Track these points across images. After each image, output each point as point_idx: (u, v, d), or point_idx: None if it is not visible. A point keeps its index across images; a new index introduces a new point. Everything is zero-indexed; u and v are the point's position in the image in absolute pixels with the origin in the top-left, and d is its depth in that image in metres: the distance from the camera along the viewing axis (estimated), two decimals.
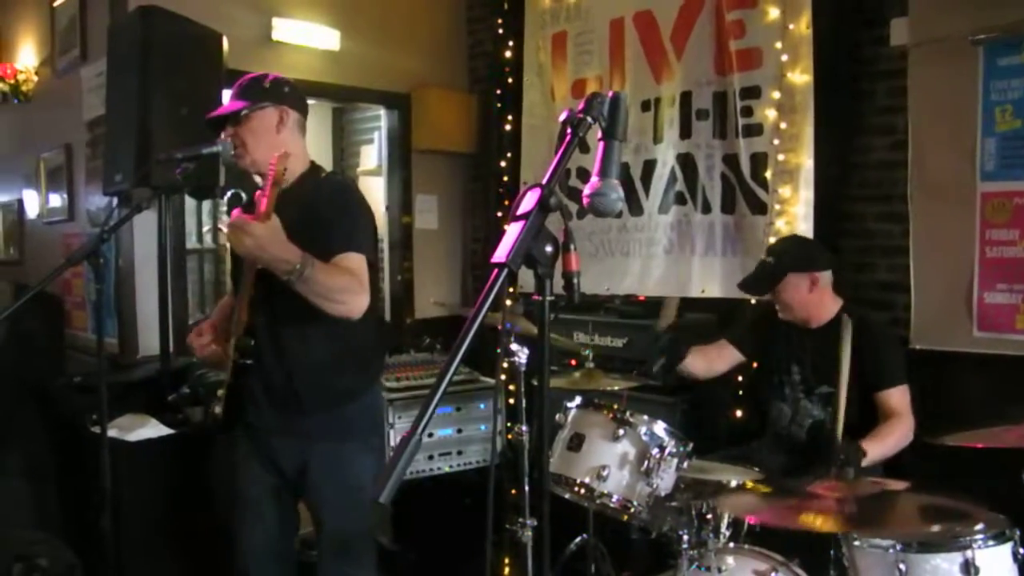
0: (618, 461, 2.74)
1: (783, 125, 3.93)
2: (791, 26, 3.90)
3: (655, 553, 3.11)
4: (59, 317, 5.34)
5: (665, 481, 2.73)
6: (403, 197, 5.67)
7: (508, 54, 5.34)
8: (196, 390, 3.82)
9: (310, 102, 2.89)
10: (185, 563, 3.60)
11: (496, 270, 1.36)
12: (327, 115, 7.62)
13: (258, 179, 2.70)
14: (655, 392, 3.76)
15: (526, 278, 4.22)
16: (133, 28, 3.78)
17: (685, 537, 2.63)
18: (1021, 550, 2.27)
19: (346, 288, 2.43)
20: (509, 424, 2.81)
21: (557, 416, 2.94)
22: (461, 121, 5.70)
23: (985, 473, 2.64)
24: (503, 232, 1.42)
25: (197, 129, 3.45)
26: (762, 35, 4.00)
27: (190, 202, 5.25)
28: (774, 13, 3.96)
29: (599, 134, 1.51)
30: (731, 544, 2.66)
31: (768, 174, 4.00)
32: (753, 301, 4.00)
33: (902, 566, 2.25)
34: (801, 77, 3.89)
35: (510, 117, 5.34)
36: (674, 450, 2.74)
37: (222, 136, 2.71)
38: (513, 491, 3.01)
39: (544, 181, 1.42)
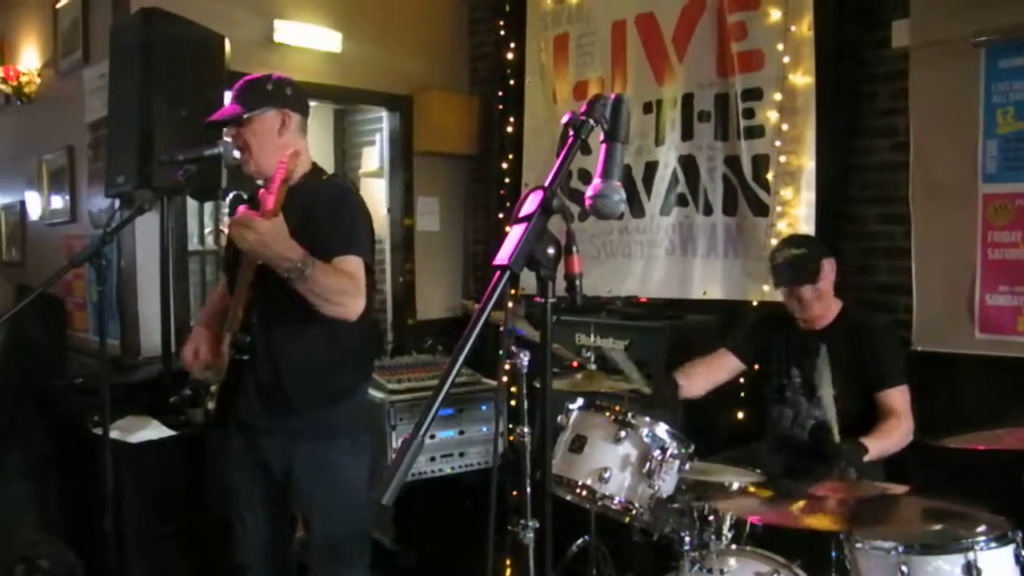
0: (620, 463, 2.73)
1: (785, 127, 3.94)
2: (793, 28, 3.91)
3: (657, 555, 3.11)
4: (61, 319, 5.35)
5: (667, 483, 2.73)
6: (404, 199, 5.68)
7: (510, 56, 5.34)
8: (198, 391, 3.82)
9: (312, 104, 2.89)
10: (187, 563, 3.60)
11: (498, 272, 1.36)
12: (329, 117, 7.62)
13: (259, 181, 2.71)
14: None
15: (528, 280, 4.22)
16: (135, 30, 3.79)
17: (687, 539, 2.63)
18: (1023, 552, 2.26)
19: (344, 290, 2.45)
20: (511, 426, 2.81)
21: (559, 418, 2.93)
22: (463, 123, 5.70)
23: (987, 475, 2.64)
24: (505, 234, 1.42)
25: (199, 131, 3.46)
26: (764, 37, 4.01)
27: (192, 204, 5.26)
28: (776, 15, 3.96)
29: (601, 136, 1.51)
30: (733, 546, 2.66)
31: (770, 176, 4.01)
32: (755, 303, 4.01)
33: (904, 568, 2.25)
34: (803, 79, 3.89)
35: (512, 119, 5.35)
36: (676, 452, 2.74)
37: (224, 137, 2.72)
38: (514, 492, 3.00)
39: (546, 183, 1.43)
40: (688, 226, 4.40)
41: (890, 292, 3.78)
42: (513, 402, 4.00)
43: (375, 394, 4.14)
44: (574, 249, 1.46)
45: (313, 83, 5.03)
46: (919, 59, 3.60)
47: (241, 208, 2.35)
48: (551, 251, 1.41)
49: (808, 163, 3.89)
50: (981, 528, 2.29)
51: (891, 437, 2.94)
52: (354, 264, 2.52)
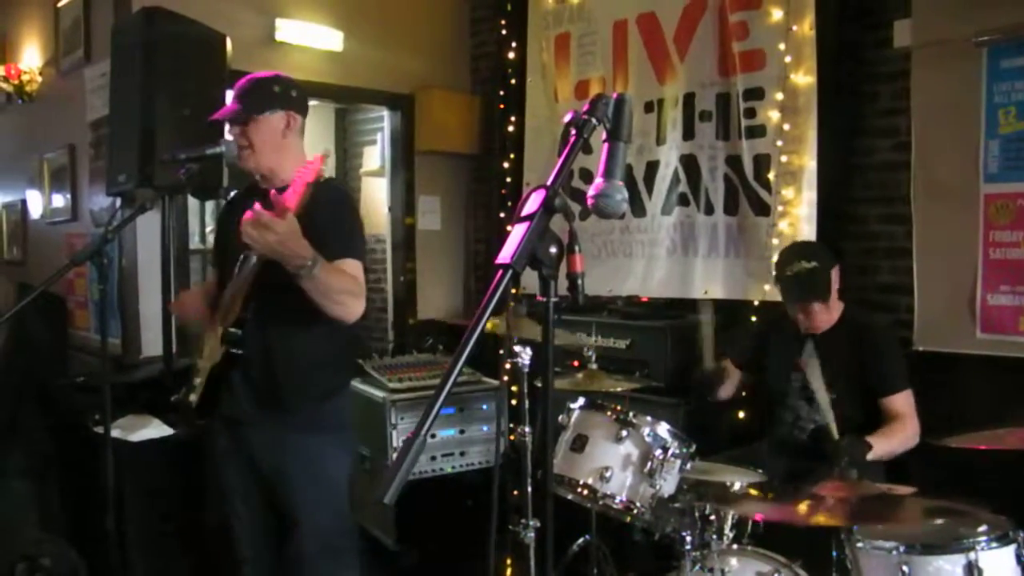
0: (621, 462, 2.74)
1: (786, 127, 3.93)
2: (794, 28, 3.90)
3: (658, 554, 3.11)
4: (62, 317, 5.34)
5: (668, 482, 2.73)
6: (406, 198, 5.68)
7: (511, 55, 5.34)
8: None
9: (313, 103, 2.91)
10: (188, 561, 3.60)
11: (500, 271, 1.36)
12: (330, 116, 7.62)
13: (257, 177, 2.76)
14: (658, 393, 3.76)
15: (529, 280, 4.22)
16: (137, 29, 3.79)
17: (688, 538, 2.64)
18: None
19: (348, 290, 2.50)
20: (512, 425, 2.81)
21: (560, 417, 2.94)
22: (464, 122, 5.70)
23: (988, 475, 2.64)
24: (506, 233, 1.42)
25: (200, 130, 3.46)
26: (765, 37, 4.00)
27: (193, 203, 5.26)
28: (777, 15, 3.96)
29: (603, 135, 1.51)
30: (734, 546, 2.66)
31: (771, 175, 4.00)
32: (756, 302, 4.01)
33: (905, 568, 2.25)
34: (804, 79, 3.89)
35: (513, 118, 5.34)
36: (677, 451, 2.74)
37: (227, 136, 2.73)
38: (515, 492, 3.01)
39: (549, 182, 1.43)
40: (689, 226, 4.40)
41: (891, 292, 3.78)
42: (514, 401, 4.01)
43: (376, 393, 4.15)
44: (576, 248, 1.45)
45: (314, 82, 5.04)
46: (921, 59, 3.59)
47: (256, 206, 2.35)
48: (553, 250, 1.41)
49: (809, 163, 3.88)
50: (982, 528, 2.29)
51: (896, 437, 2.94)
52: (355, 267, 2.59)
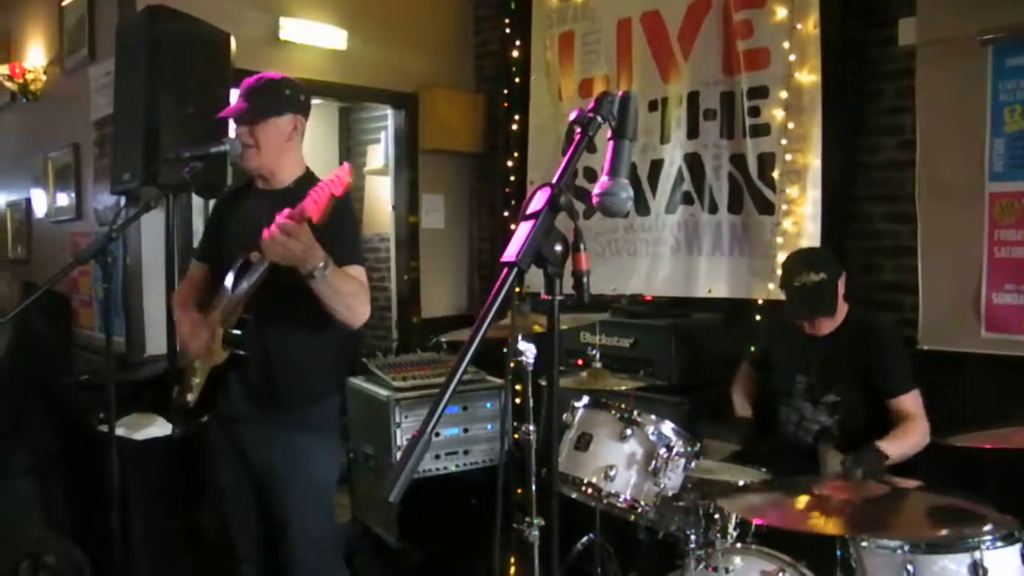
0: (625, 461, 2.73)
1: (791, 125, 3.93)
2: (799, 26, 3.90)
3: (662, 553, 3.11)
4: (67, 316, 5.35)
5: (672, 481, 2.73)
6: (410, 197, 5.68)
7: (515, 54, 5.34)
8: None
9: (317, 101, 2.93)
10: (192, 560, 3.60)
11: (506, 269, 1.35)
12: (334, 114, 7.63)
13: (261, 182, 2.82)
14: (662, 392, 3.76)
15: (534, 278, 4.21)
16: (141, 27, 3.79)
17: (692, 537, 2.64)
18: None
19: (355, 294, 2.56)
20: (516, 423, 2.81)
21: (564, 416, 2.93)
22: (468, 121, 5.70)
23: (994, 474, 2.64)
24: (510, 232, 1.42)
25: (205, 128, 3.47)
26: (770, 35, 4.00)
27: (197, 201, 5.24)
28: (782, 13, 3.95)
29: (608, 133, 1.51)
30: (738, 544, 2.66)
31: (775, 174, 4.00)
32: (760, 301, 4.01)
33: (910, 567, 2.24)
34: (809, 77, 3.88)
35: (517, 117, 5.34)
36: (681, 450, 2.74)
37: (231, 133, 2.75)
38: (519, 490, 3.00)
39: (554, 180, 1.42)
40: (693, 224, 4.40)
41: (896, 291, 3.77)
42: (518, 400, 4.00)
43: (380, 391, 4.15)
44: (582, 246, 1.45)
45: (318, 81, 5.04)
46: (926, 57, 3.59)
47: (282, 215, 2.37)
48: (559, 248, 1.41)
49: (814, 161, 3.88)
50: (987, 527, 2.28)
51: (909, 439, 2.92)
52: (360, 272, 2.65)
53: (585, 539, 3.40)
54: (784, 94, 3.95)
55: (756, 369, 3.58)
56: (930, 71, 3.58)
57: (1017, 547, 2.24)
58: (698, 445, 2.81)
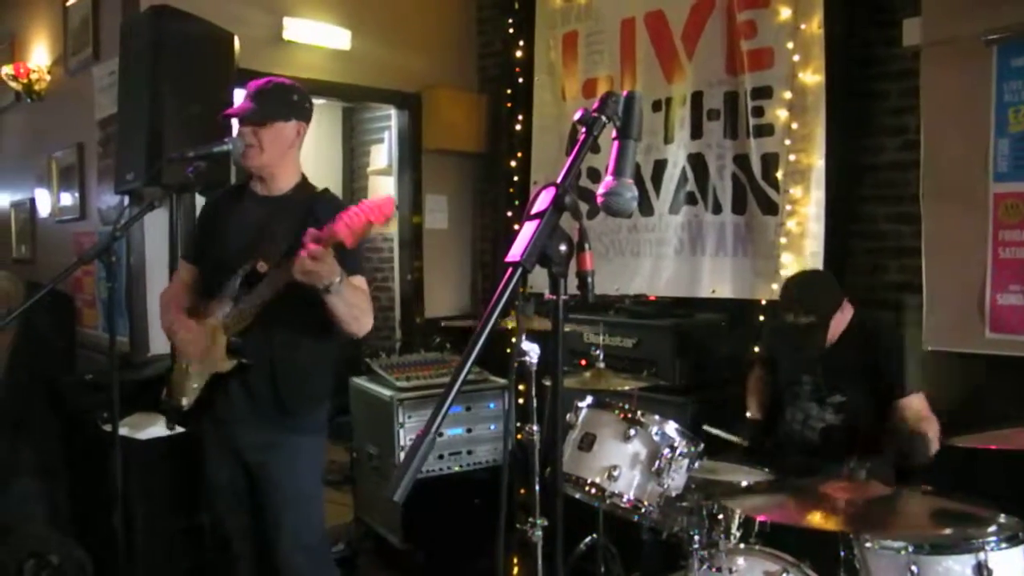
0: (629, 461, 2.73)
1: (794, 125, 3.93)
2: (803, 26, 3.90)
3: (665, 553, 3.10)
4: (71, 315, 5.36)
5: (676, 481, 2.73)
6: (413, 197, 5.68)
7: (519, 54, 5.34)
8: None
9: (320, 101, 2.94)
10: (195, 559, 3.61)
11: (510, 269, 1.35)
12: (337, 114, 7.63)
13: (259, 187, 2.83)
14: (666, 392, 3.76)
15: (537, 279, 4.22)
16: (145, 27, 3.79)
17: (696, 537, 2.63)
18: None
19: (361, 305, 2.62)
20: (519, 423, 2.82)
21: (568, 416, 2.94)
22: (471, 121, 5.70)
23: (998, 475, 2.63)
24: (514, 232, 1.42)
25: (208, 128, 3.47)
26: (773, 35, 4.00)
27: (201, 200, 5.25)
28: (785, 13, 3.95)
29: (613, 133, 1.51)
30: (742, 545, 2.66)
31: (779, 174, 4.00)
32: (764, 302, 4.00)
33: (914, 568, 2.24)
34: (812, 77, 3.88)
35: (520, 117, 5.35)
36: (685, 450, 2.74)
37: (234, 133, 2.76)
38: (522, 491, 3.01)
39: (559, 180, 1.42)
40: (697, 224, 4.40)
41: (900, 291, 3.77)
42: (522, 400, 4.00)
43: (383, 391, 4.15)
44: (586, 246, 1.45)
45: (322, 81, 5.05)
46: (930, 57, 3.58)
47: (309, 238, 2.39)
48: (563, 248, 1.41)
49: (818, 162, 3.88)
50: (992, 528, 2.28)
51: (933, 431, 2.92)
52: (362, 282, 2.70)
53: (588, 539, 3.40)
54: (788, 94, 3.95)
55: (765, 370, 3.57)
56: (934, 71, 3.57)
57: (1022, 548, 2.24)
58: (701, 445, 2.81)
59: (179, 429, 3.37)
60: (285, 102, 2.77)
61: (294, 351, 2.73)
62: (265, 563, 2.87)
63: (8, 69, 5.89)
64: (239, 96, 3.00)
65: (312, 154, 6.76)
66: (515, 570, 3.75)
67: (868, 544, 2.35)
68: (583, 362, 3.78)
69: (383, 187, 6.97)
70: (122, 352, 4.39)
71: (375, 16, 5.36)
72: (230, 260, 2.74)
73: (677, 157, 4.46)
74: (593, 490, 2.73)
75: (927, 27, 3.57)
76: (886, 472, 2.92)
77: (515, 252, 1.37)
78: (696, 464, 2.80)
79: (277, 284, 2.54)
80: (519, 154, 5.34)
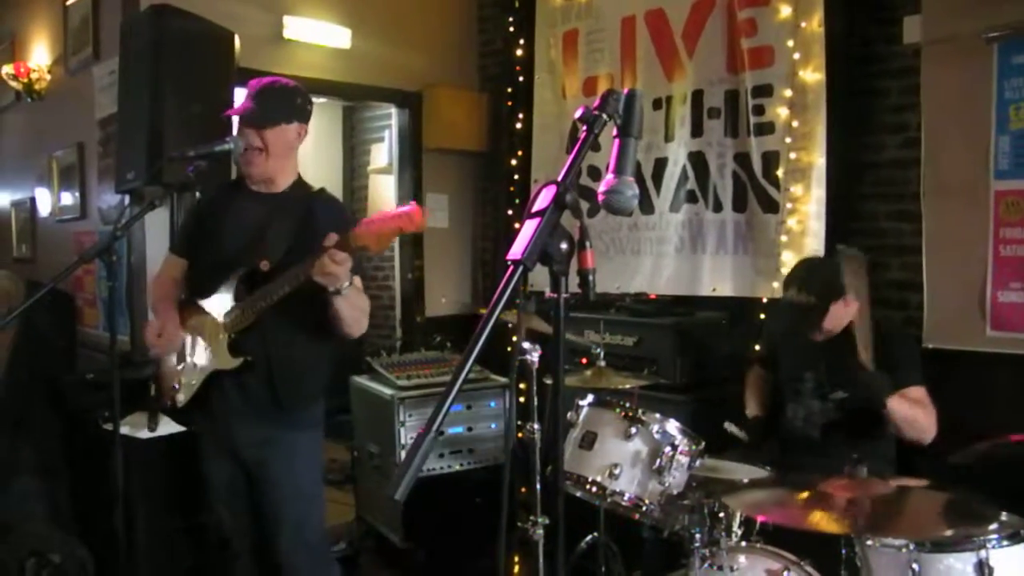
0: (630, 459, 2.74)
1: (795, 123, 3.93)
2: (803, 24, 3.89)
3: (667, 552, 3.11)
4: (71, 314, 5.36)
5: (677, 479, 2.73)
6: (414, 195, 5.67)
7: (519, 52, 5.34)
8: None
9: (320, 100, 2.94)
10: (196, 559, 3.61)
11: (512, 267, 1.35)
12: (338, 113, 7.63)
13: (255, 184, 2.84)
14: (667, 390, 3.76)
15: (537, 277, 4.22)
16: (145, 26, 3.79)
17: (697, 536, 2.63)
18: None
19: (363, 308, 2.66)
20: (520, 422, 2.82)
21: (569, 414, 2.94)
22: (472, 119, 5.70)
23: (1000, 472, 2.63)
24: (514, 230, 1.42)
25: (209, 127, 3.47)
26: (774, 33, 3.99)
27: None
28: (786, 11, 3.95)
29: (614, 131, 1.51)
30: (743, 543, 2.65)
31: (780, 172, 3.99)
32: (764, 299, 4.00)
33: (915, 566, 2.24)
34: (813, 75, 3.88)
35: (521, 115, 5.35)
36: (686, 448, 2.74)
37: (236, 133, 2.77)
38: (523, 489, 3.01)
39: (560, 178, 1.42)
40: (698, 223, 4.39)
41: (901, 289, 3.77)
42: (522, 398, 4.00)
43: (384, 390, 4.15)
44: (587, 244, 1.45)
45: (322, 79, 5.05)
46: (931, 55, 3.58)
47: (338, 251, 2.39)
48: (564, 246, 1.41)
49: (818, 160, 3.87)
50: (993, 526, 2.28)
51: (919, 414, 2.91)
52: (358, 281, 2.69)
53: (589, 538, 3.40)
54: (788, 92, 3.95)
55: (764, 368, 3.58)
56: (935, 69, 3.57)
57: (1023, 546, 2.24)
58: (702, 443, 2.81)
59: (161, 431, 3.40)
60: (287, 104, 2.78)
61: (291, 349, 2.74)
62: (266, 562, 2.88)
63: (8, 68, 5.89)
64: (240, 95, 3.00)
65: (312, 153, 6.80)
66: (516, 569, 3.75)
67: (869, 542, 2.35)
68: (584, 360, 3.78)
69: (383, 186, 6.97)
70: (123, 351, 4.39)
71: (375, 15, 5.36)
72: (227, 258, 2.74)
73: (678, 155, 4.46)
74: (594, 488, 2.73)
75: (927, 25, 3.57)
76: (886, 468, 2.93)
77: (516, 250, 1.37)
78: (697, 462, 2.80)
79: (294, 282, 2.53)
80: (520, 152, 5.34)
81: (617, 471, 2.70)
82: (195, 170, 2.83)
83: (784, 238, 3.95)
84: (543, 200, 1.42)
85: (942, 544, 2.27)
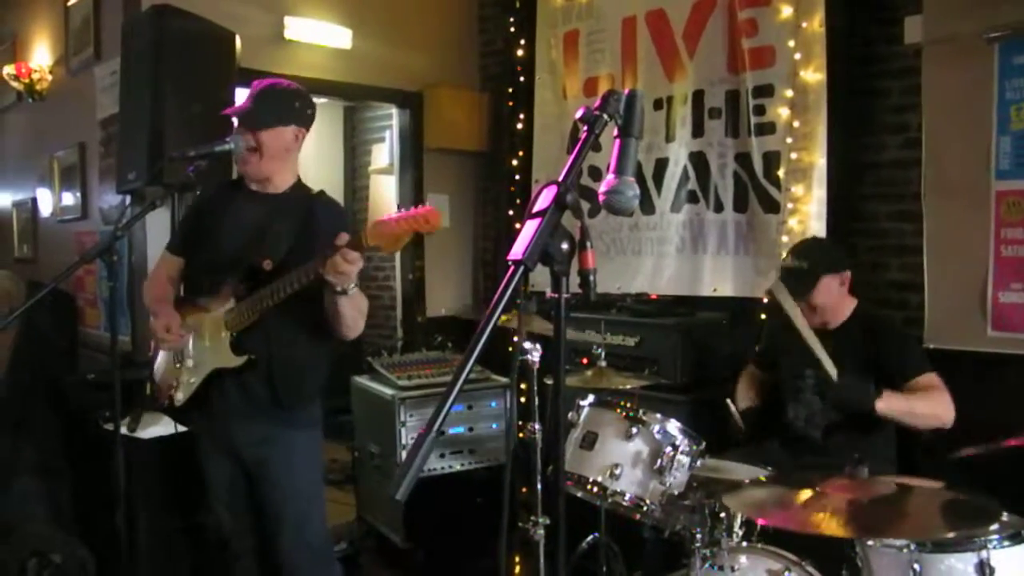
0: (631, 459, 2.74)
1: (796, 124, 3.93)
2: (804, 24, 3.89)
3: (667, 552, 3.10)
4: (72, 315, 5.37)
5: (678, 479, 2.73)
6: (415, 196, 5.67)
7: (520, 52, 5.34)
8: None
9: (321, 100, 2.95)
10: (197, 559, 3.61)
11: (512, 267, 1.35)
12: (338, 113, 7.64)
13: (254, 184, 2.84)
14: (668, 391, 3.76)
15: (539, 277, 4.22)
16: (146, 27, 3.80)
17: (698, 536, 2.63)
18: None
19: (363, 309, 2.66)
20: (521, 422, 2.82)
21: (570, 414, 2.94)
22: (473, 120, 5.71)
23: (1000, 472, 2.63)
24: (515, 230, 1.42)
25: (210, 127, 3.48)
26: (775, 33, 3.99)
27: None
28: (787, 11, 3.95)
29: (615, 132, 1.51)
30: (744, 543, 2.65)
31: (781, 173, 4.00)
32: (765, 300, 4.00)
33: (916, 566, 2.24)
34: (814, 75, 3.88)
35: (522, 116, 5.35)
36: (687, 448, 2.74)
37: (235, 132, 2.77)
38: (524, 489, 3.01)
39: (560, 178, 1.42)
40: (699, 223, 4.39)
41: (902, 289, 3.77)
42: (523, 399, 4.01)
43: (385, 390, 4.15)
44: (588, 244, 1.45)
45: (323, 80, 5.05)
46: (932, 55, 3.58)
47: (350, 249, 2.38)
48: (565, 246, 1.41)
49: (819, 160, 3.87)
50: (994, 526, 2.27)
51: (921, 400, 2.90)
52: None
53: (590, 538, 3.40)
54: (789, 92, 3.95)
55: (760, 367, 3.58)
56: (936, 69, 3.57)
57: None
58: (703, 444, 2.81)
59: (160, 431, 3.40)
60: (285, 107, 2.78)
61: (293, 348, 2.74)
62: (268, 562, 2.88)
63: (10, 69, 5.90)
64: (241, 95, 3.00)
65: (313, 153, 6.80)
66: (517, 569, 3.75)
67: (870, 542, 2.35)
68: (585, 360, 3.78)
69: (384, 186, 6.97)
70: (124, 351, 4.39)
71: (376, 15, 5.36)
72: (226, 256, 2.75)
73: (678, 155, 4.46)
74: (595, 488, 2.73)
75: (928, 25, 3.57)
76: (886, 468, 2.92)
77: (517, 250, 1.37)
78: (698, 462, 2.80)
79: (303, 279, 2.52)
80: (520, 153, 5.34)
81: (618, 471, 2.70)
82: (196, 170, 2.84)
83: (785, 238, 3.95)
84: (544, 200, 1.42)
85: (943, 544, 2.27)
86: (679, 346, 3.87)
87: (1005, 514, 2.31)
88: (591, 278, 1.46)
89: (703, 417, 3.60)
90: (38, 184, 6.15)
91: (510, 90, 5.42)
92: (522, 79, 5.34)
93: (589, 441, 2.81)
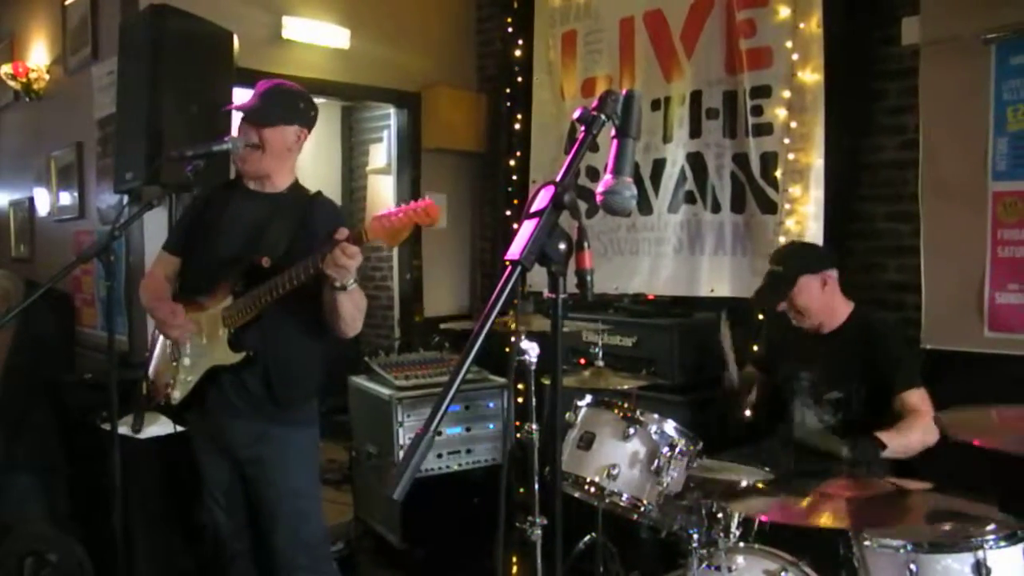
0: (628, 460, 2.73)
1: (793, 124, 3.93)
2: (801, 25, 3.90)
3: (664, 552, 3.10)
4: (70, 314, 5.36)
5: (675, 480, 2.73)
6: (412, 196, 5.65)
7: (518, 53, 5.35)
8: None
9: (319, 100, 2.95)
10: (195, 558, 3.60)
11: (510, 267, 1.35)
12: (336, 113, 7.63)
13: (253, 183, 2.85)
14: (665, 391, 3.76)
15: (536, 277, 4.21)
16: (144, 26, 3.79)
17: (695, 536, 2.63)
18: None
19: (362, 307, 2.66)
20: (518, 422, 2.82)
21: (567, 415, 2.93)
22: (470, 120, 5.71)
23: (997, 473, 2.63)
24: (513, 231, 1.43)
25: (207, 127, 3.47)
26: (772, 34, 4.00)
27: None
28: (784, 12, 3.95)
29: (612, 132, 1.51)
30: (741, 543, 2.65)
31: (778, 173, 4.00)
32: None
33: (913, 566, 2.24)
34: (812, 76, 3.88)
35: (519, 116, 5.35)
36: (684, 449, 2.74)
37: (234, 131, 2.78)
38: (521, 489, 3.01)
39: (558, 178, 1.42)
40: (696, 224, 4.40)
41: (899, 290, 3.77)
42: (521, 399, 4.01)
43: (382, 390, 4.15)
44: (585, 245, 1.45)
45: (321, 80, 5.05)
46: (929, 56, 3.58)
47: (350, 244, 2.41)
48: (562, 246, 1.41)
49: (817, 161, 3.88)
50: (991, 527, 2.28)
51: (914, 432, 2.88)
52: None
53: (587, 538, 3.40)
54: (787, 93, 3.95)
55: (759, 369, 3.58)
56: (933, 70, 3.57)
57: (1020, 546, 2.24)
58: (700, 444, 2.81)
59: (157, 431, 3.40)
60: (291, 107, 2.80)
61: (289, 348, 2.75)
62: (262, 558, 2.88)
63: (7, 68, 5.89)
64: (239, 95, 3.00)
65: (311, 153, 6.78)
66: (514, 569, 3.75)
67: (867, 543, 2.35)
68: (582, 361, 3.78)
69: (382, 186, 6.97)
70: (121, 351, 4.38)
71: (374, 15, 5.36)
72: (224, 254, 2.75)
73: (676, 156, 4.47)
74: (592, 489, 2.73)
75: (926, 26, 3.58)
76: (883, 468, 2.92)
77: (514, 250, 1.37)
78: (695, 463, 2.80)
79: (303, 275, 2.53)
80: (518, 153, 5.34)
81: (615, 471, 2.70)
82: (193, 170, 2.84)
83: (782, 239, 3.95)
84: (541, 200, 1.42)
85: (940, 545, 2.27)
86: (676, 346, 3.87)
87: (1001, 514, 2.31)
88: (588, 278, 1.46)
89: (700, 417, 3.61)
90: (35, 183, 6.14)
91: (508, 90, 5.43)
92: (520, 79, 5.35)
93: (586, 441, 2.81)
